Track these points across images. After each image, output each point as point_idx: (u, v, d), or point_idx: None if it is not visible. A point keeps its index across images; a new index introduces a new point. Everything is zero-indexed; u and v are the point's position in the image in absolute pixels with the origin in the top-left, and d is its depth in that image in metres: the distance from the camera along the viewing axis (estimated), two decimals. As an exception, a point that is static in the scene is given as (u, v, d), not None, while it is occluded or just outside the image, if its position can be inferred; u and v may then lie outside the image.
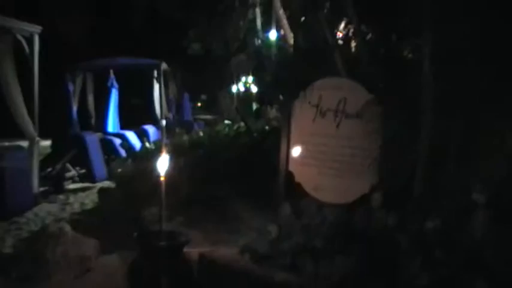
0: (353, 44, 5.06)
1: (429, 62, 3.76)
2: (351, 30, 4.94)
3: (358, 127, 4.16)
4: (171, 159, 4.05)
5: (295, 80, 4.93)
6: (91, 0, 22.89)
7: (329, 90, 4.42)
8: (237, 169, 6.59)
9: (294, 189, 4.65)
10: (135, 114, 16.38)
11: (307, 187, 4.50)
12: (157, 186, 4.05)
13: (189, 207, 6.25)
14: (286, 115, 4.79)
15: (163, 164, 3.93)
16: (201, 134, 8.64)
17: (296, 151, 4.64)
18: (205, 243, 5.23)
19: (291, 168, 4.68)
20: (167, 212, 4.24)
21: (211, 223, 5.93)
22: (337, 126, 4.32)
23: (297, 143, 4.65)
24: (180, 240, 3.98)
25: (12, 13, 8.54)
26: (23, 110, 8.34)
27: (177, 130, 11.39)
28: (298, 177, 4.59)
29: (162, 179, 3.93)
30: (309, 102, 4.53)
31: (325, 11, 4.91)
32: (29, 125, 8.48)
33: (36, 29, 8.76)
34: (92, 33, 23.33)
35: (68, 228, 5.31)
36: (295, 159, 4.65)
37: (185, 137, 8.54)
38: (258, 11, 10.33)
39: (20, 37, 8.45)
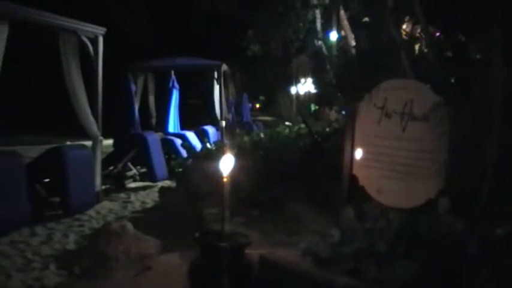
0: (417, 44, 4.96)
1: (500, 63, 3.63)
2: (417, 30, 4.84)
3: (425, 130, 4.03)
4: (235, 160, 4.01)
5: (359, 82, 4.85)
6: (154, 0, 23.22)
7: (395, 92, 4.31)
8: (297, 171, 6.53)
9: (356, 192, 4.56)
10: (194, 114, 16.53)
11: (371, 190, 4.40)
12: (218, 186, 4.03)
13: (249, 208, 6.23)
14: (350, 117, 4.71)
15: (226, 164, 3.91)
16: (262, 135, 8.62)
17: (360, 154, 4.54)
18: (265, 244, 5.19)
19: (355, 171, 4.59)
20: (227, 212, 4.23)
21: (270, 224, 5.88)
22: (403, 128, 4.21)
23: (361, 145, 4.56)
24: (242, 241, 3.95)
25: (78, 14, 8.73)
26: (87, 110, 8.51)
27: (238, 131, 11.41)
28: (362, 180, 4.50)
29: (225, 179, 3.90)
30: (374, 104, 4.43)
31: (389, 10, 4.80)
32: (93, 125, 8.65)
33: (100, 31, 8.95)
34: (154, 34, 23.67)
35: (129, 226, 5.37)
36: (359, 162, 4.56)
37: (246, 138, 8.53)
38: (317, 12, 10.22)
39: (84, 38, 8.64)
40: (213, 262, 3.83)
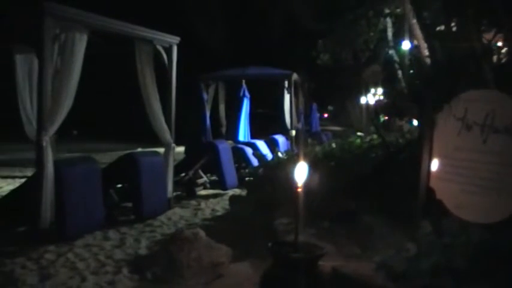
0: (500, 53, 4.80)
1: None
2: (499, 38, 4.68)
3: (508, 143, 3.90)
4: (310, 169, 3.96)
5: (436, 92, 4.73)
6: (227, 10, 23.42)
7: (476, 103, 4.18)
8: (370, 183, 6.42)
9: (434, 206, 4.44)
10: (263, 123, 16.59)
11: (449, 205, 4.28)
12: (290, 196, 4.00)
13: (321, 219, 6.16)
14: (428, 128, 4.60)
15: (301, 174, 3.86)
16: (334, 145, 8.54)
17: (438, 166, 4.43)
18: (337, 257, 5.12)
19: (432, 184, 4.47)
20: (301, 222, 4.18)
21: (343, 237, 5.80)
22: (484, 141, 4.07)
23: (439, 158, 4.44)
24: (316, 253, 3.89)
25: (153, 23, 8.89)
26: (161, 118, 8.65)
27: (310, 141, 11.37)
28: (440, 194, 4.38)
29: (298, 189, 3.86)
30: (454, 115, 4.31)
31: (470, 18, 4.67)
32: (166, 132, 8.78)
33: (175, 40, 9.09)
34: (226, 43, 23.88)
35: (202, 233, 5.40)
36: (437, 175, 4.44)
37: (317, 148, 8.48)
38: (389, 20, 10.07)
39: (159, 47, 8.79)
40: (286, 273, 3.78)
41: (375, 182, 6.37)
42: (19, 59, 9.24)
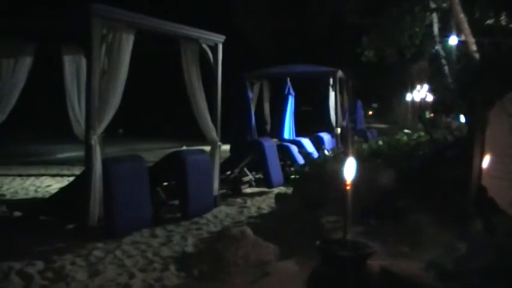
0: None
1: None
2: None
3: None
4: (358, 167, 3.91)
5: (487, 88, 4.63)
6: (272, 7, 23.46)
7: (530, 99, 4.08)
8: (418, 180, 6.33)
9: (485, 204, 4.35)
10: (306, 121, 16.53)
11: (502, 203, 4.18)
12: (337, 194, 3.97)
13: (367, 217, 6.10)
14: (479, 125, 4.50)
15: (349, 171, 3.82)
16: (380, 142, 8.46)
17: (490, 164, 4.33)
18: (385, 255, 5.05)
19: (484, 182, 4.38)
20: (349, 220, 4.14)
21: (390, 235, 5.72)
22: (538, 138, 3.97)
23: (491, 155, 4.34)
24: (365, 251, 3.84)
25: (198, 21, 8.95)
26: (207, 116, 8.69)
27: (356, 138, 11.30)
28: (492, 192, 4.29)
29: (347, 186, 3.82)
30: (506, 112, 4.21)
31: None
32: (212, 131, 8.82)
33: (220, 39, 9.12)
34: (270, 41, 23.91)
35: (249, 231, 5.41)
36: (489, 173, 4.35)
37: (364, 146, 8.41)
38: (435, 15, 9.91)
39: (205, 46, 8.83)
40: (334, 271, 3.75)
41: (423, 180, 6.28)
42: (67, 59, 9.41)
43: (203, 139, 9.03)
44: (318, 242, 3.99)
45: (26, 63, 8.59)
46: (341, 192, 3.91)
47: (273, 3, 24.15)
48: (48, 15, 7.97)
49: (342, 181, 3.86)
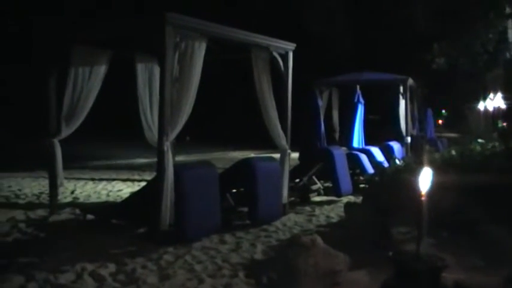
0: None
1: None
2: None
3: None
4: (432, 177, 3.82)
5: None
6: (340, 17, 23.40)
7: None
8: (493, 191, 6.14)
9: None
10: (373, 130, 16.35)
11: None
12: (409, 204, 3.88)
13: (439, 229, 5.96)
14: None
15: (424, 181, 3.74)
16: (453, 152, 8.24)
17: None
18: (458, 269, 4.92)
19: None
20: (416, 232, 4.05)
21: (463, 248, 5.58)
22: None
23: None
24: (439, 264, 3.75)
25: (267, 29, 8.98)
26: (277, 124, 8.72)
27: (427, 148, 11.09)
28: None
29: (422, 197, 3.74)
30: None
31: None
32: (282, 138, 8.83)
33: (290, 46, 9.14)
34: (340, 49, 23.81)
35: (319, 240, 5.35)
36: None
37: (436, 155, 8.22)
38: (510, 21, 9.64)
39: (275, 54, 8.86)
40: (407, 284, 3.68)
41: (498, 191, 6.10)
42: (140, 67, 9.62)
43: (271, 146, 9.04)
44: (390, 253, 3.93)
45: (101, 70, 8.84)
46: (414, 202, 3.83)
47: (339, 12, 24.06)
48: (123, 24, 8.16)
49: (415, 191, 3.79)
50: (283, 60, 9.03)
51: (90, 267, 5.87)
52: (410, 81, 14.86)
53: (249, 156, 12.03)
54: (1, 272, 5.55)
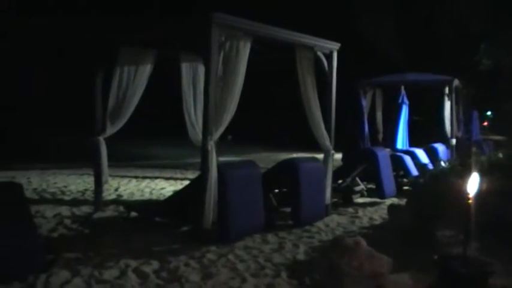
0: None
1: None
2: None
3: None
4: (480, 180, 3.76)
5: None
6: (386, 17, 23.20)
7: None
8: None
9: None
10: (417, 131, 16.15)
11: None
12: (455, 207, 3.82)
13: (484, 233, 5.83)
14: None
15: (472, 185, 3.68)
16: (500, 155, 8.08)
17: None
18: (504, 274, 4.82)
19: None
20: (462, 235, 3.98)
21: (509, 253, 5.47)
22: None
23: None
24: (487, 269, 3.69)
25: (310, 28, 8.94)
26: (321, 124, 8.67)
27: (474, 150, 10.89)
28: None
29: (469, 200, 3.68)
30: None
31: None
32: (326, 139, 8.79)
33: (335, 46, 9.09)
34: (384, 49, 23.60)
35: (363, 242, 5.32)
36: None
37: (483, 158, 8.07)
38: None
39: (320, 54, 8.82)
40: (453, 288, 3.62)
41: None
42: (185, 67, 9.68)
43: (313, 147, 9.01)
44: (435, 257, 3.88)
45: (146, 70, 8.93)
46: (460, 205, 3.77)
47: (385, 13, 23.85)
48: (169, 25, 8.23)
49: (462, 194, 3.73)
50: (327, 60, 8.98)
51: (133, 263, 5.95)
52: (456, 82, 14.62)
53: (292, 156, 11.99)
54: (48, 266, 5.65)
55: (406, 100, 14.54)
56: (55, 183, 12.25)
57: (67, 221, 8.12)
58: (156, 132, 24.10)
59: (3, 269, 5.24)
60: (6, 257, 5.29)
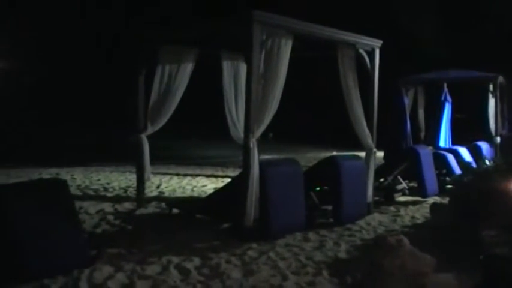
0: None
1: None
2: None
3: None
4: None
5: None
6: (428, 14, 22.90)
7: None
8: None
9: None
10: (462, 129, 15.90)
11: None
12: (500, 206, 3.76)
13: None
14: None
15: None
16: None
17: None
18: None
19: None
20: (506, 235, 3.92)
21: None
22: None
23: None
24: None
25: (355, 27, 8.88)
26: (363, 123, 8.62)
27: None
28: None
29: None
30: None
31: None
32: (368, 137, 8.74)
33: (377, 43, 9.02)
34: (426, 46, 23.30)
35: (406, 241, 5.26)
36: None
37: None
38: None
39: (362, 51, 8.76)
40: (500, 288, 3.56)
41: None
42: (226, 65, 9.74)
43: (353, 145, 8.95)
44: (481, 257, 3.82)
45: (188, 69, 9.01)
46: (505, 205, 3.71)
47: (426, 10, 23.53)
48: (210, 23, 8.27)
49: (507, 194, 3.67)
50: (369, 57, 8.92)
51: (175, 260, 6.03)
52: (500, 78, 14.35)
53: (332, 154, 11.93)
54: (91, 262, 5.75)
55: (448, 98, 14.30)
56: (98, 180, 12.46)
57: (110, 217, 8.26)
58: (196, 130, 24.29)
59: (49, 263, 5.37)
60: (52, 251, 5.43)
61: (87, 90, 26.46)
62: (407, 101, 12.99)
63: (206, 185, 12.15)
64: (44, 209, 5.54)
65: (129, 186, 11.34)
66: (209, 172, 14.64)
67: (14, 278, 5.14)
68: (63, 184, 6.05)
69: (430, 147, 12.67)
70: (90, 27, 26.03)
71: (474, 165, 9.63)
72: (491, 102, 14.19)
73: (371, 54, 8.95)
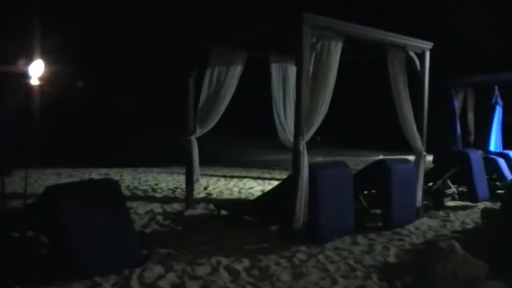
0: None
1: None
2: None
3: None
4: None
5: None
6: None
7: None
8: None
9: None
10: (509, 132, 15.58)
11: None
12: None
13: None
14: None
15: None
16: None
17: None
18: None
19: None
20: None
21: None
22: None
23: None
24: None
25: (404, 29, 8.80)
26: (413, 126, 8.54)
27: None
28: None
29: None
30: None
31: None
32: (418, 140, 8.64)
33: (427, 45, 8.91)
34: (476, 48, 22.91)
35: (458, 246, 5.21)
36: None
37: None
38: None
39: (412, 53, 8.67)
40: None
41: None
42: (274, 67, 9.77)
43: (401, 148, 8.86)
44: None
45: (236, 71, 9.08)
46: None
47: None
48: (259, 25, 8.31)
49: None
50: (419, 60, 8.81)
51: (225, 261, 6.08)
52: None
53: (379, 157, 11.84)
54: (142, 261, 5.85)
55: (499, 101, 14.01)
56: (146, 180, 12.65)
57: (159, 218, 8.38)
58: (244, 132, 24.40)
59: (101, 262, 5.49)
60: (104, 250, 5.54)
61: (137, 93, 26.86)
62: (457, 104, 12.78)
63: (253, 187, 12.21)
64: (97, 208, 5.67)
65: (177, 187, 11.48)
66: (256, 174, 14.72)
67: (67, 275, 5.26)
68: (116, 184, 6.19)
69: (480, 151, 12.46)
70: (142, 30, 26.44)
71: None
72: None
73: (421, 56, 8.85)
